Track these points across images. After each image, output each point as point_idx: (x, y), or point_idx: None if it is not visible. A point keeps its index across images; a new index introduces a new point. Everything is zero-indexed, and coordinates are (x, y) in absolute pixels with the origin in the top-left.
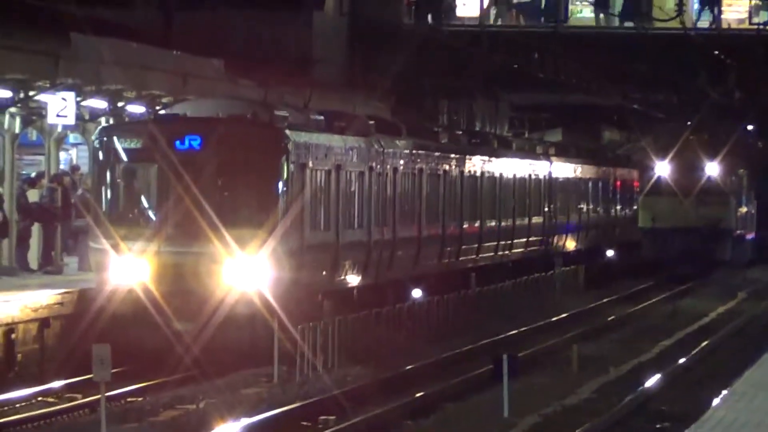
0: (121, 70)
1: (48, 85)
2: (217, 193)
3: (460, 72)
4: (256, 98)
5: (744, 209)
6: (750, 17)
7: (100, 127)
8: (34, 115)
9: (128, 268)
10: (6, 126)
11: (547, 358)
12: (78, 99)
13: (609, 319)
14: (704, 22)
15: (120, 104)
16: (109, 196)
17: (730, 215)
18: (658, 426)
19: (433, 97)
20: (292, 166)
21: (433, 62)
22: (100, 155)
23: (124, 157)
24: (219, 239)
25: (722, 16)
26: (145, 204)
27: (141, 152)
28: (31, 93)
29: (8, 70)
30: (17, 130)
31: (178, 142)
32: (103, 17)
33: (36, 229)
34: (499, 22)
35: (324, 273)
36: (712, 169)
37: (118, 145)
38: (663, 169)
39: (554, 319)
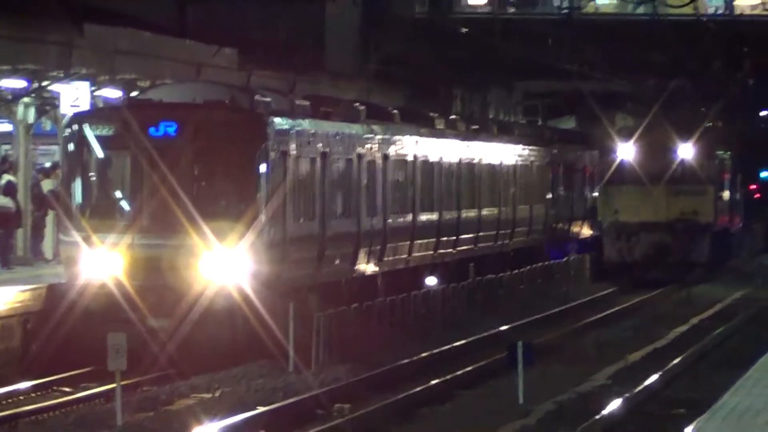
0: (134, 60)
1: (62, 75)
2: (193, 183)
3: (474, 60)
4: (237, 83)
5: (727, 198)
6: (764, 3)
7: (71, 114)
8: (48, 105)
9: (100, 262)
10: (20, 116)
11: (562, 346)
12: (92, 89)
13: (623, 306)
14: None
15: (134, 94)
16: (80, 185)
17: (707, 207)
18: (672, 412)
19: (447, 86)
20: (273, 153)
21: (446, 51)
22: (71, 143)
23: (96, 145)
24: (196, 231)
25: (735, 3)
26: (118, 194)
27: (114, 140)
28: (45, 83)
29: (22, 60)
30: (31, 120)
31: (152, 129)
32: (117, 7)
33: (50, 218)
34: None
35: (309, 266)
36: (686, 151)
37: (90, 133)
38: (627, 151)
39: (567, 306)
